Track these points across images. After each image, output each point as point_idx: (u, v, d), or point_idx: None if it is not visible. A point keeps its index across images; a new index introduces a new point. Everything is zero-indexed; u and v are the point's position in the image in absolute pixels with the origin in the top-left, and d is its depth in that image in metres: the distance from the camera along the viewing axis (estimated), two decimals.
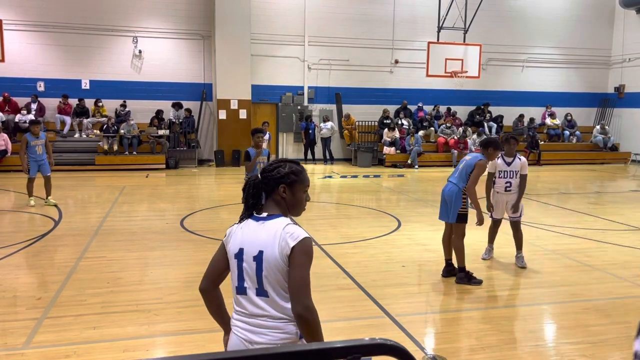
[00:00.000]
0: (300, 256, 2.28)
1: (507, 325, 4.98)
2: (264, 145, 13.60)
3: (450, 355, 4.32)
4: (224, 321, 2.56)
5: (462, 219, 6.03)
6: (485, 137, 18.73)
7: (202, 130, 18.51)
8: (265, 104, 19.11)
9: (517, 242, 6.79)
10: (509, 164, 6.65)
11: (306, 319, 2.25)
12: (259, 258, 2.32)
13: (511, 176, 6.65)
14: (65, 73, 17.33)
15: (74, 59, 17.37)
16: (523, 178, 6.67)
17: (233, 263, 2.40)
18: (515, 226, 6.77)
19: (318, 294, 5.64)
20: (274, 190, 2.42)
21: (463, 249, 6.11)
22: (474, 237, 7.25)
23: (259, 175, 2.46)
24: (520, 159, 6.70)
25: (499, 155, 6.66)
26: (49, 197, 10.33)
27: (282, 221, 2.35)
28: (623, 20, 21.35)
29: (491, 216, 6.88)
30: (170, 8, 17.84)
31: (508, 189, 6.67)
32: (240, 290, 2.38)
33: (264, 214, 2.40)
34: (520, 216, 6.75)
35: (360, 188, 13.61)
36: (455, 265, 6.29)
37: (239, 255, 2.37)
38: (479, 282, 6.04)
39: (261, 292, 2.33)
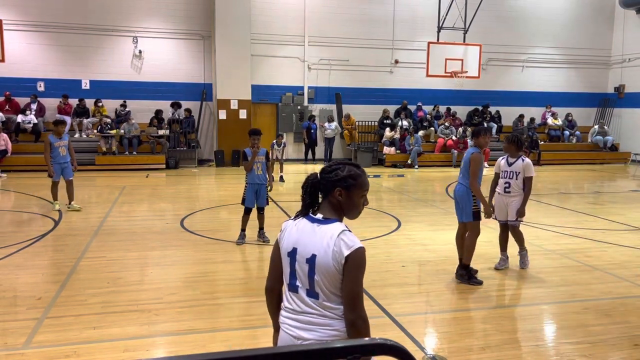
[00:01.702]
0: (354, 267, 2.28)
1: (507, 325, 4.98)
2: (278, 153, 13.80)
3: (450, 355, 4.32)
4: (278, 321, 2.56)
5: (477, 216, 6.05)
6: None
7: (202, 130, 18.51)
8: (265, 104, 19.10)
9: (516, 242, 6.77)
10: (510, 164, 6.56)
11: (359, 328, 2.29)
12: (311, 261, 2.32)
13: (511, 177, 6.52)
14: (65, 73, 17.32)
15: (74, 59, 17.37)
16: (527, 180, 6.45)
17: (286, 260, 2.42)
18: (512, 229, 6.70)
19: None
20: (331, 192, 2.40)
21: (474, 247, 6.12)
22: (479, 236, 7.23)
23: (318, 175, 2.45)
24: (523, 160, 6.51)
25: (505, 156, 6.65)
26: (72, 202, 9.95)
27: (337, 227, 2.33)
28: (623, 20, 21.35)
29: (495, 218, 6.76)
30: (170, 8, 17.83)
31: (507, 190, 6.54)
32: (292, 287, 2.40)
33: (320, 216, 2.39)
34: (516, 221, 6.59)
35: None
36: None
37: (292, 254, 2.39)
38: (479, 283, 6.04)
39: (312, 293, 2.34)
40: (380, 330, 4.71)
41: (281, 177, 14.23)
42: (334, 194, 2.39)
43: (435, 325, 5.08)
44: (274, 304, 2.55)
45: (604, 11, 21.67)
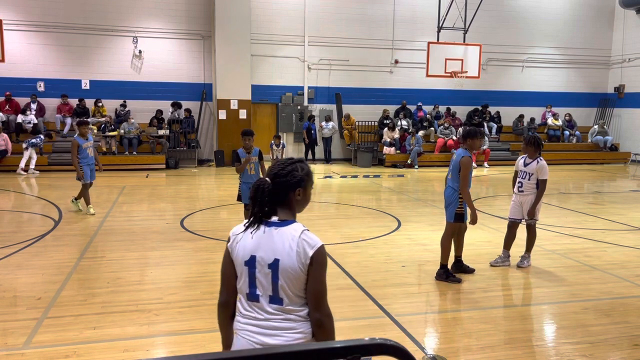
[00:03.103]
0: (318, 265, 2.27)
1: (507, 325, 4.98)
2: (278, 153, 13.73)
3: (450, 355, 4.32)
4: (229, 336, 2.46)
5: (459, 218, 6.09)
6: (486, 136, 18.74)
7: (202, 131, 18.52)
8: (265, 104, 19.11)
9: (527, 242, 6.79)
10: (525, 165, 6.59)
11: (326, 326, 2.29)
12: (274, 266, 2.26)
13: (524, 177, 6.57)
14: (65, 73, 17.33)
15: (74, 59, 17.37)
16: (541, 183, 6.48)
17: (243, 270, 2.33)
18: (528, 229, 6.75)
19: None
20: (290, 194, 2.35)
21: (449, 247, 6.19)
22: (474, 236, 7.25)
23: (270, 180, 2.34)
24: (538, 162, 6.51)
25: (524, 155, 6.66)
26: (78, 200, 9.82)
27: (297, 227, 2.30)
28: (623, 20, 21.36)
29: (509, 218, 6.79)
30: (170, 8, 17.84)
31: (520, 189, 6.61)
32: (252, 297, 2.33)
33: (275, 219, 2.34)
34: (532, 220, 6.63)
35: (360, 188, 13.61)
36: (464, 261, 6.42)
37: (251, 262, 2.31)
38: (458, 281, 6.07)
39: (275, 299, 2.29)
40: (380, 330, 4.71)
41: None
42: (295, 195, 2.36)
43: (435, 325, 5.07)
44: (229, 319, 2.43)
45: (604, 11, 21.67)
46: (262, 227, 2.33)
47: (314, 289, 2.27)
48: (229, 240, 2.40)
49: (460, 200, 6.02)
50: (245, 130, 7.73)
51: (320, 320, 2.28)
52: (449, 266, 6.29)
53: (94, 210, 9.65)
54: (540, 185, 6.51)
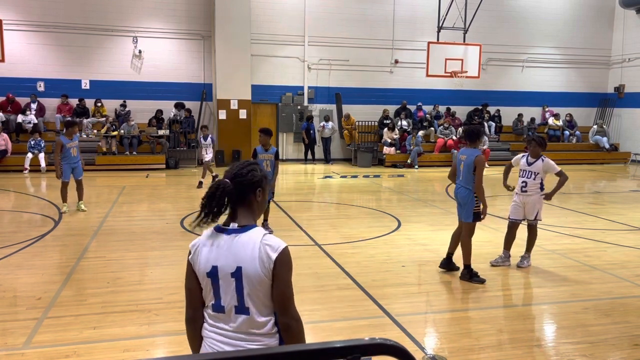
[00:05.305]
0: (283, 269, 2.21)
1: (507, 325, 4.98)
2: (205, 149, 13.12)
3: (450, 355, 4.32)
4: (199, 351, 2.39)
5: (477, 217, 6.10)
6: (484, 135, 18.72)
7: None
8: (265, 104, 19.11)
9: (528, 242, 6.79)
10: (530, 164, 6.59)
11: (294, 329, 2.24)
12: (237, 274, 2.20)
13: (528, 176, 6.56)
14: (65, 73, 17.32)
15: (74, 59, 17.37)
16: (558, 175, 6.57)
17: (206, 282, 2.26)
18: (530, 229, 6.74)
19: (318, 294, 5.65)
20: (251, 195, 2.31)
21: (470, 247, 6.17)
22: (476, 236, 7.23)
23: (229, 180, 2.28)
24: (543, 160, 6.54)
25: (525, 154, 6.68)
26: (80, 202, 9.87)
27: (258, 231, 2.25)
28: (623, 20, 21.35)
29: (509, 218, 6.79)
30: (170, 8, 17.83)
31: (524, 189, 6.59)
32: (217, 308, 2.27)
33: (234, 225, 2.27)
34: (536, 219, 6.64)
35: (360, 188, 13.60)
36: (455, 261, 6.42)
37: (213, 273, 2.24)
38: (481, 281, 6.06)
39: (242, 309, 2.23)
40: (380, 330, 4.71)
41: (200, 183, 12.92)
42: (255, 196, 2.32)
43: (435, 325, 5.07)
44: (198, 335, 2.35)
45: (604, 11, 21.67)
46: (222, 235, 2.27)
47: (279, 293, 2.21)
48: (189, 254, 2.33)
49: (477, 199, 6.03)
50: (264, 128, 7.81)
51: (288, 324, 2.23)
52: (440, 263, 6.31)
53: (67, 209, 9.64)
54: (561, 177, 6.59)
